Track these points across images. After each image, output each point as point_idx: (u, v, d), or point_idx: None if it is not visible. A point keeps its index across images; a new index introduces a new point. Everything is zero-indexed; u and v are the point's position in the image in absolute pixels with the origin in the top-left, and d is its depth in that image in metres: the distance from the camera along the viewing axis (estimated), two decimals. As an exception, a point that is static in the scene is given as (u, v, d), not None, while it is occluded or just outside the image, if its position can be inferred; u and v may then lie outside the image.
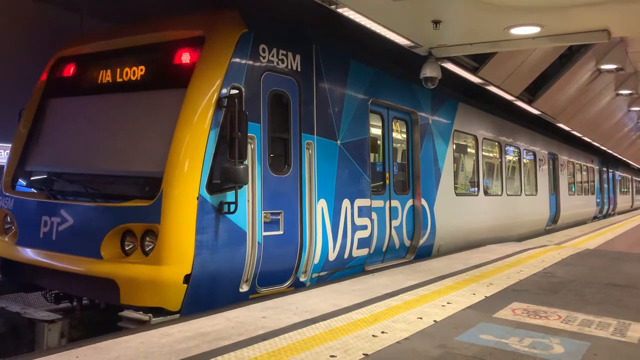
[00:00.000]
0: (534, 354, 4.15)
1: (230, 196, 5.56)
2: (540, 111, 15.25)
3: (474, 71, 10.41)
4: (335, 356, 4.00)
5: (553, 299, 6.20)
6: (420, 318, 5.13)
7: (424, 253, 9.43)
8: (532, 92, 14.05)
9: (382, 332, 4.63)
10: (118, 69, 6.39)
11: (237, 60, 5.82)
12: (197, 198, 5.30)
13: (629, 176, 38.97)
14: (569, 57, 13.44)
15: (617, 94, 18.16)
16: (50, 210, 6.01)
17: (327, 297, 5.91)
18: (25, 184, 6.79)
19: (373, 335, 4.53)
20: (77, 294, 6.26)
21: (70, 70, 6.95)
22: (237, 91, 5.68)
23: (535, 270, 8.15)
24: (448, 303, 5.77)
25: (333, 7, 6.70)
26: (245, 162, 5.61)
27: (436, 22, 7.34)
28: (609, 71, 14.55)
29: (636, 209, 40.58)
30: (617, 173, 33.09)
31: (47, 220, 5.96)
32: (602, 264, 9.22)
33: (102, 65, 6.61)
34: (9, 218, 6.64)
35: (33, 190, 6.63)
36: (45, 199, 6.23)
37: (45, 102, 7.05)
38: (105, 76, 6.52)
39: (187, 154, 5.33)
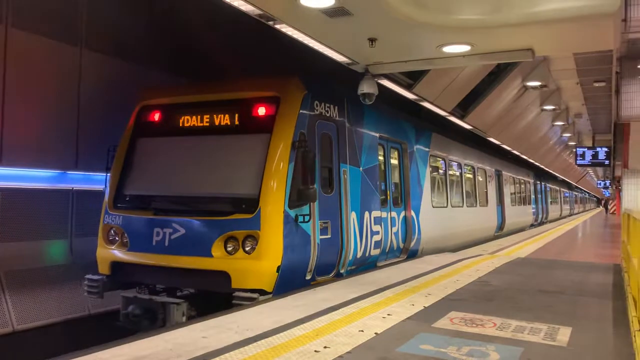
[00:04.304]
0: (472, 362, 4.28)
1: (304, 210, 7.61)
2: (472, 126, 15.86)
3: (408, 88, 10.71)
4: (278, 373, 3.97)
5: (488, 306, 6.42)
6: (362, 331, 5.18)
7: (413, 254, 11.50)
8: (463, 108, 14.61)
9: (325, 347, 4.63)
10: (209, 116, 8.17)
11: (302, 112, 7.86)
12: (283, 212, 7.27)
13: (557, 187, 41.19)
14: (497, 75, 14.10)
15: (542, 110, 19.20)
16: (163, 224, 7.68)
17: (269, 315, 5.86)
18: (127, 205, 8.28)
19: (315, 351, 4.53)
20: (189, 286, 8.07)
21: (155, 116, 8.67)
22: (303, 135, 7.71)
23: (470, 280, 8.41)
24: (388, 315, 5.86)
25: (271, 22, 6.76)
26: (313, 186, 7.52)
27: (372, 40, 7.53)
28: (534, 88, 15.38)
29: (564, 217, 43.08)
30: (548, 185, 35.08)
31: (159, 231, 7.66)
32: (532, 271, 9.64)
33: (191, 112, 8.33)
34: (112, 231, 8.25)
35: (137, 209, 8.12)
36: (153, 215, 7.85)
37: (135, 141, 8.69)
38: (196, 121, 8.27)
39: (275, 180, 7.32)
